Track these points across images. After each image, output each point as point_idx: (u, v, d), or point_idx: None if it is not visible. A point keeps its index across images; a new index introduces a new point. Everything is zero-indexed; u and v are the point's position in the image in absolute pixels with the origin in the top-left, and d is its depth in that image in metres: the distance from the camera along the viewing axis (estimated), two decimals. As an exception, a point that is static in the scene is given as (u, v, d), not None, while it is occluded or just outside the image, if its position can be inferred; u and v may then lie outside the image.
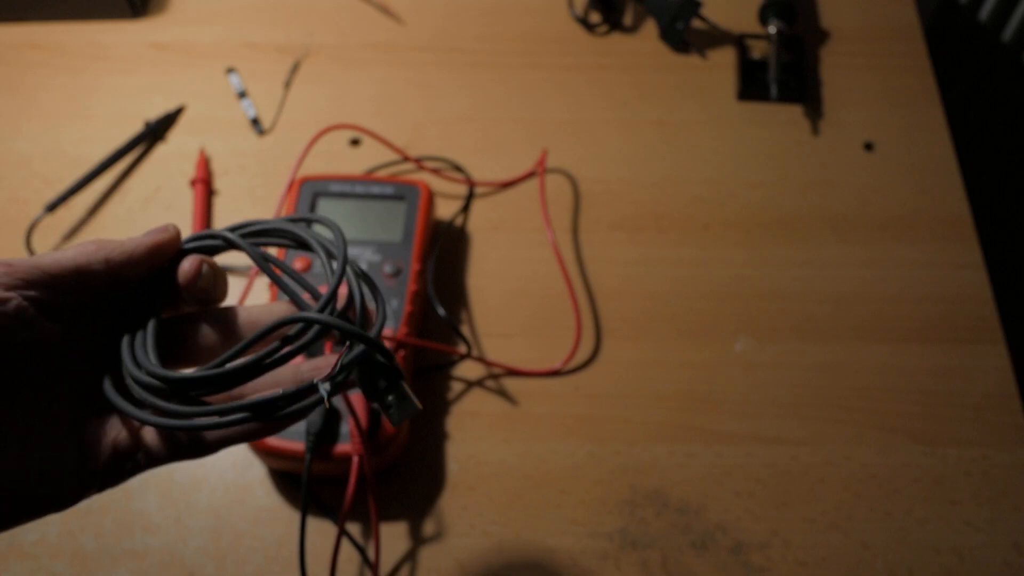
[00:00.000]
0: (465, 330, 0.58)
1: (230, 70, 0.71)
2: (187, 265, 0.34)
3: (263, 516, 0.52)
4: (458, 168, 0.65)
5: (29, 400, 0.31)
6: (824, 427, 0.54)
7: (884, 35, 0.71)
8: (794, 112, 0.67)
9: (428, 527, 0.51)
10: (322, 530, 0.51)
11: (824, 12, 0.73)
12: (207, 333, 0.35)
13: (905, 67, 0.69)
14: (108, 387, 0.33)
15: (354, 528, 0.51)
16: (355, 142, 0.67)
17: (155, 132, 0.67)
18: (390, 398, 0.33)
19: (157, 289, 0.35)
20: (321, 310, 0.32)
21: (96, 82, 0.71)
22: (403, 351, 0.52)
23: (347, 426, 0.49)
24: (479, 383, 0.56)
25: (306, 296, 0.34)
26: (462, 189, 0.64)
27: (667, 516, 0.51)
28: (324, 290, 0.33)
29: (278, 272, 0.35)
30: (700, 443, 0.53)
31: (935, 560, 0.49)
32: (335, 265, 0.34)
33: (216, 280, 0.35)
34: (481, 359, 0.56)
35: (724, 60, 0.70)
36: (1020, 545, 0.50)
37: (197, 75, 0.71)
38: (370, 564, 0.49)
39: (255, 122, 0.68)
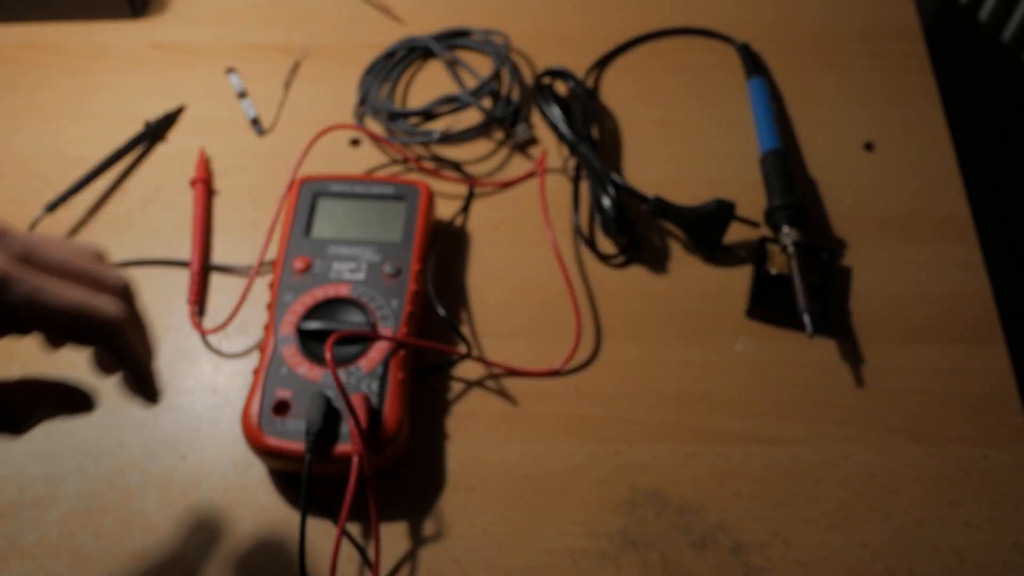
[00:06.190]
0: (465, 330, 0.58)
1: (230, 70, 0.71)
2: None
3: (263, 516, 0.52)
4: (458, 168, 0.65)
5: None
6: (824, 427, 0.54)
7: (884, 35, 0.71)
8: (793, 112, 0.67)
9: (428, 527, 0.51)
10: (322, 530, 0.51)
11: (824, 12, 0.73)
12: None
13: (905, 67, 0.69)
14: None
15: (354, 528, 0.51)
16: (355, 142, 0.67)
17: (155, 132, 0.67)
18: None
19: None
20: None
21: (96, 82, 0.71)
22: (403, 351, 0.52)
23: (347, 426, 0.49)
24: (479, 383, 0.56)
25: None
26: (462, 189, 0.64)
27: (667, 516, 0.51)
28: None
29: None
30: (700, 443, 0.53)
31: (935, 560, 0.49)
32: None
33: None
34: (481, 359, 0.56)
35: (725, 62, 0.70)
36: (1020, 545, 0.50)
37: (197, 75, 0.71)
38: (370, 564, 0.49)
39: (255, 122, 0.68)
